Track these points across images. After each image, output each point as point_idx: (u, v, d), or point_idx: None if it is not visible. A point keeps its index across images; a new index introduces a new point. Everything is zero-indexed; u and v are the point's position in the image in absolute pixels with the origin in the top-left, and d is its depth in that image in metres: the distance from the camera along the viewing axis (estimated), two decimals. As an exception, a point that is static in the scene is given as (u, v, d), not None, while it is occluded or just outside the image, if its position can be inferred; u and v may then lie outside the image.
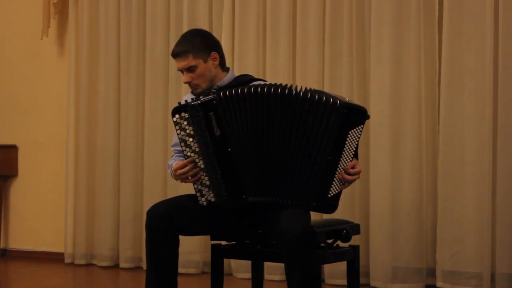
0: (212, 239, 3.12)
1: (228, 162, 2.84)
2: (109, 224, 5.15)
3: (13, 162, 5.67)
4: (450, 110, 4.14)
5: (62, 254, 5.36)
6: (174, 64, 3.13)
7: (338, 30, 4.43)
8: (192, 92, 3.13)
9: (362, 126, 2.81)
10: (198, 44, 3.04)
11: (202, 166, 2.87)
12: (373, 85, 4.31)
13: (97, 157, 5.25)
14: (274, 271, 4.46)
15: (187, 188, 3.11)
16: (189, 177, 2.90)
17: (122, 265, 5.09)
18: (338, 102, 2.75)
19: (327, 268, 4.34)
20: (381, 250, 4.23)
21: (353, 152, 2.83)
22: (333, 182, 2.81)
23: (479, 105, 4.05)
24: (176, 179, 2.98)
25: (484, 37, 4.03)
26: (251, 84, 2.89)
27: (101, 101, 5.23)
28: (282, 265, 2.79)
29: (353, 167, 2.84)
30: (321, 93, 2.80)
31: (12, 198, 5.71)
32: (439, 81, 4.21)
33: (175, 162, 3.02)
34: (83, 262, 5.25)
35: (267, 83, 2.95)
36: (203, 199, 2.90)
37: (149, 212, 2.93)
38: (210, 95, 2.86)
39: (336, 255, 3.00)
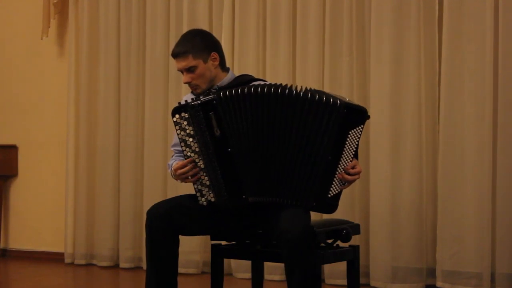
0: (212, 239, 3.12)
1: (228, 162, 2.84)
2: (109, 224, 5.15)
3: (13, 162, 5.67)
4: (450, 110, 4.14)
5: (62, 254, 5.36)
6: (174, 64, 3.13)
7: (338, 30, 4.44)
8: (192, 92, 3.13)
9: (362, 126, 2.81)
10: (198, 44, 3.04)
11: (202, 166, 2.87)
12: (373, 85, 4.31)
13: (97, 157, 5.25)
14: (274, 271, 4.46)
15: (187, 188, 3.11)
16: (189, 177, 2.90)
17: (122, 265, 5.09)
18: (338, 102, 2.75)
19: (327, 268, 4.34)
20: (381, 250, 4.23)
21: (353, 152, 2.83)
22: (333, 182, 2.81)
23: (479, 105, 4.05)
24: (176, 179, 2.98)
25: (484, 37, 4.03)
26: (251, 84, 2.89)
27: (101, 101, 5.23)
28: (282, 265, 2.79)
29: (353, 167, 2.84)
30: (321, 93, 2.80)
31: (12, 198, 5.71)
32: (439, 81, 4.21)
33: (175, 162, 3.02)
34: (83, 262, 5.25)
35: (267, 83, 2.95)
36: (203, 199, 2.90)
37: (149, 212, 2.93)
38: (210, 95, 2.86)
39: (336, 255, 3.00)
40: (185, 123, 2.85)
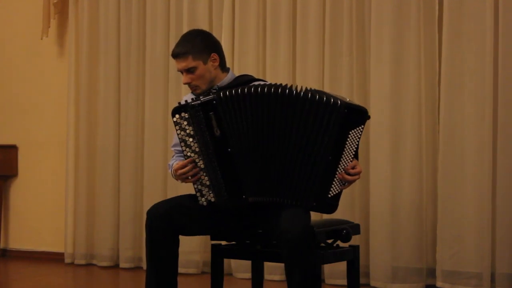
0: (212, 239, 3.12)
1: (228, 162, 2.84)
2: (109, 224, 5.15)
3: (13, 162, 5.67)
4: (450, 110, 4.14)
5: (62, 254, 5.36)
6: (174, 64, 3.13)
7: (338, 30, 4.43)
8: (192, 92, 3.13)
9: (362, 126, 2.81)
10: (198, 45, 3.04)
11: (202, 166, 2.87)
12: (373, 85, 4.31)
13: (97, 157, 5.25)
14: (274, 271, 4.46)
15: (187, 188, 3.11)
16: (189, 177, 2.90)
17: (122, 265, 5.09)
18: (339, 102, 2.75)
19: (327, 268, 4.34)
20: (381, 250, 4.23)
21: (354, 152, 2.83)
22: (333, 182, 2.81)
23: (479, 105, 4.05)
24: (177, 179, 2.98)
25: (484, 37, 4.03)
26: (251, 84, 2.89)
27: (101, 101, 5.23)
28: (282, 265, 2.79)
29: (353, 168, 2.84)
30: (321, 93, 2.80)
31: (12, 198, 5.71)
32: (439, 81, 4.21)
33: (176, 162, 3.02)
34: (83, 262, 5.25)
35: (267, 83, 2.95)
36: (203, 199, 2.90)
37: (149, 212, 2.93)
38: (210, 95, 2.86)
39: (336, 255, 3.00)
40: (185, 123, 2.85)
